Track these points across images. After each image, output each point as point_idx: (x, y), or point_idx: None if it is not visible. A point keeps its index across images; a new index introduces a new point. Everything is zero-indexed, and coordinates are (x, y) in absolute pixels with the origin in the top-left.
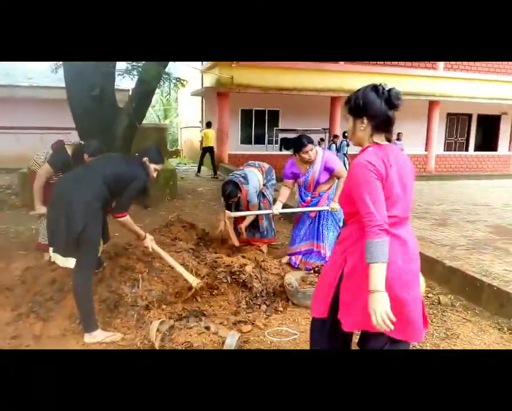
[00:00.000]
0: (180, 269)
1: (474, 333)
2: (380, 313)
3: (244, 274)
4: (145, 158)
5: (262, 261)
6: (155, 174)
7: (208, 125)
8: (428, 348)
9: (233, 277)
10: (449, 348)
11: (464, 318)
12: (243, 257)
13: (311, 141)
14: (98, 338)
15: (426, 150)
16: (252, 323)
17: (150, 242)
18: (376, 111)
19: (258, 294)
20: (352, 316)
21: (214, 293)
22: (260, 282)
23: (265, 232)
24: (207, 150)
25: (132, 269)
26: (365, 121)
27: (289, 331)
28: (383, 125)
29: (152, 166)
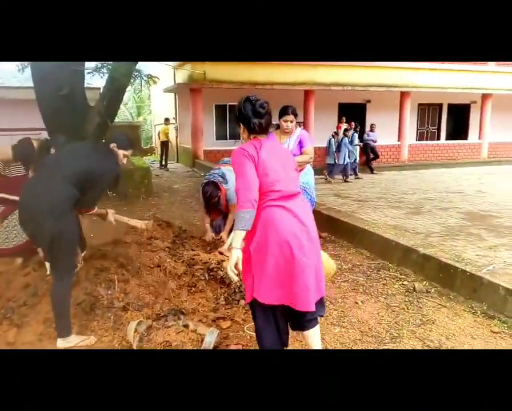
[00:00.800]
0: (127, 220)
1: (449, 318)
2: (230, 265)
3: (222, 270)
4: (112, 145)
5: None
6: (124, 161)
7: (167, 120)
8: (404, 335)
9: (211, 273)
10: (425, 335)
11: (439, 304)
12: (221, 253)
13: (294, 113)
14: (72, 343)
15: (398, 141)
16: (232, 319)
17: (112, 217)
18: (246, 119)
19: (237, 290)
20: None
21: (191, 290)
22: (238, 278)
23: None
24: (164, 144)
25: (107, 270)
26: (241, 126)
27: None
28: (255, 129)
29: (121, 152)
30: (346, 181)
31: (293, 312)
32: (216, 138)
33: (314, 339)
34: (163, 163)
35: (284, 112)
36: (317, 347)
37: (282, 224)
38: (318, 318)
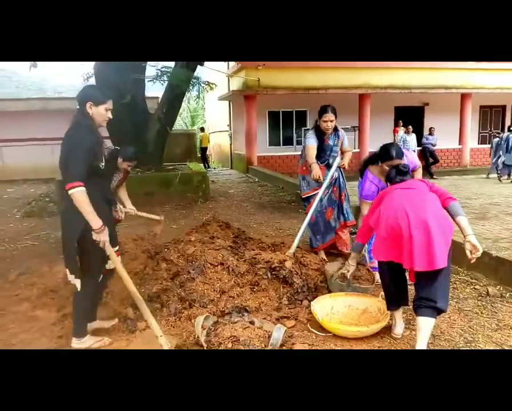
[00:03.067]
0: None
1: None
2: None
3: (284, 270)
4: (89, 104)
5: (301, 256)
6: (109, 115)
7: (202, 129)
8: (480, 339)
9: (273, 273)
10: (502, 340)
11: None
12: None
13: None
14: (86, 344)
15: (459, 144)
16: (296, 319)
17: (103, 237)
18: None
19: (299, 290)
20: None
21: (254, 289)
22: (300, 278)
23: (347, 215)
24: (204, 150)
25: (175, 266)
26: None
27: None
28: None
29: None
30: None
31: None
32: (269, 145)
33: (419, 331)
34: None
35: (324, 111)
36: (418, 343)
37: None
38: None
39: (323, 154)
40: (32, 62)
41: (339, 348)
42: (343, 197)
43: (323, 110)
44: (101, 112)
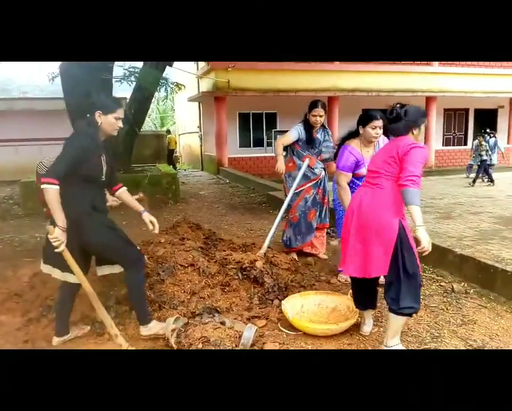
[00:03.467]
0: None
1: (490, 318)
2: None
3: (255, 269)
4: (97, 113)
5: (272, 256)
6: (119, 124)
7: (169, 132)
8: (445, 335)
9: (244, 273)
10: (467, 335)
11: (480, 305)
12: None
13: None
14: (153, 330)
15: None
16: (266, 318)
17: (62, 237)
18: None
19: (270, 289)
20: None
21: (225, 289)
22: (271, 278)
23: (324, 217)
24: (171, 152)
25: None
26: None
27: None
28: None
29: (110, 116)
30: None
31: None
32: (240, 146)
33: (387, 328)
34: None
35: (314, 105)
36: (385, 339)
37: None
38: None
39: (313, 146)
40: None
41: (310, 346)
42: (325, 200)
43: (313, 104)
44: (111, 121)
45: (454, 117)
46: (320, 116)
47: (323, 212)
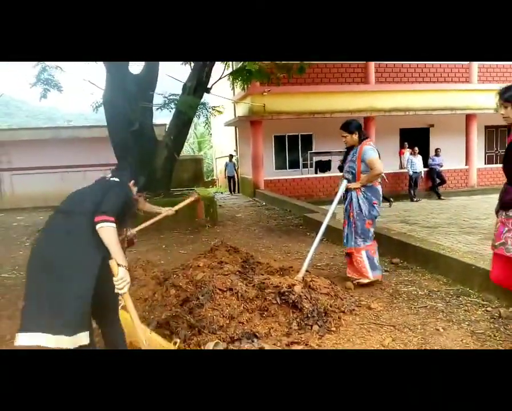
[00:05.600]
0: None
1: None
2: None
3: (293, 294)
4: (132, 182)
5: (310, 280)
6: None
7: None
8: None
9: (282, 298)
10: None
11: None
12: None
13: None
14: None
15: (466, 165)
16: (306, 344)
17: (124, 273)
18: None
19: (309, 315)
20: None
21: (263, 314)
22: (310, 302)
23: (345, 240)
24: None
25: (184, 292)
26: None
27: None
28: None
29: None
30: None
31: None
32: (276, 168)
33: None
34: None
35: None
36: None
37: None
38: None
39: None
40: (42, 92)
41: None
42: (351, 218)
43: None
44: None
45: (496, 134)
46: (344, 137)
47: (351, 235)
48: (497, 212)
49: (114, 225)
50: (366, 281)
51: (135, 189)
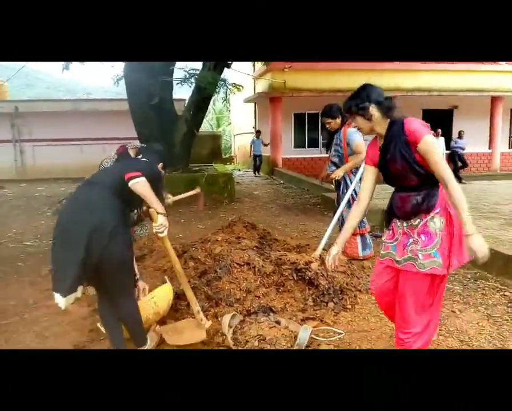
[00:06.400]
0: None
1: None
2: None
3: (310, 271)
4: (160, 164)
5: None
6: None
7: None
8: (510, 346)
9: (299, 274)
10: None
11: None
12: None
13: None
14: (152, 345)
15: (489, 148)
16: (321, 320)
17: (163, 220)
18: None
19: (325, 292)
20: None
21: (280, 290)
22: (326, 280)
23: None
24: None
25: (203, 264)
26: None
27: (335, 331)
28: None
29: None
30: None
31: None
32: (294, 147)
33: None
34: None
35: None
36: None
37: None
38: None
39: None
40: (65, 64)
41: (365, 347)
42: (352, 202)
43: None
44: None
45: None
46: (328, 123)
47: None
48: (388, 223)
49: (144, 179)
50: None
51: (162, 172)
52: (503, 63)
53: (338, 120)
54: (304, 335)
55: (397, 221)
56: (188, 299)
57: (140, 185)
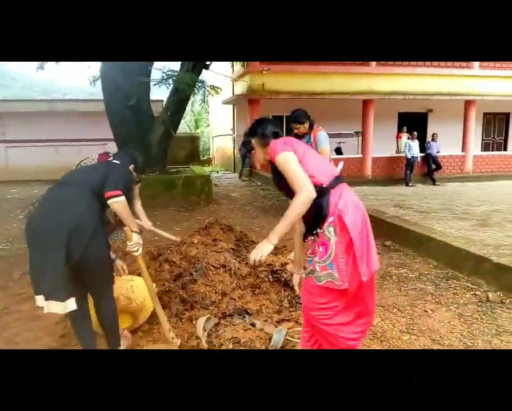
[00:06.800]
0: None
1: None
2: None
3: (286, 273)
4: (132, 166)
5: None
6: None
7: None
8: (479, 345)
9: (275, 276)
10: (502, 345)
11: None
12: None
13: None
14: (122, 348)
15: (462, 151)
16: (296, 322)
17: (138, 238)
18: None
19: (301, 293)
20: None
21: (255, 291)
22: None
23: None
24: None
25: (177, 267)
26: None
27: None
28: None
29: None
30: None
31: None
32: None
33: None
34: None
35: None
36: None
37: None
38: None
39: None
40: (39, 64)
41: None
42: None
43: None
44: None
45: (494, 121)
46: (297, 128)
47: None
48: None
49: (123, 198)
50: None
51: (135, 174)
52: (476, 68)
53: (306, 125)
54: (278, 337)
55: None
56: (159, 317)
57: (119, 205)
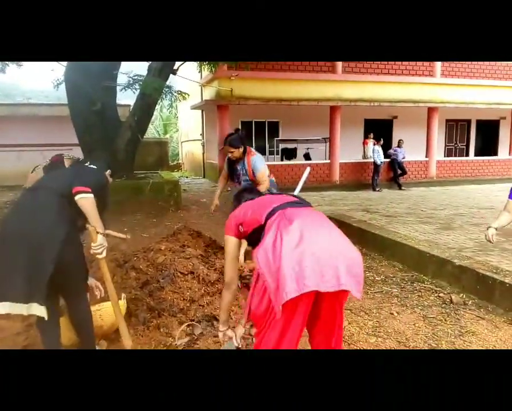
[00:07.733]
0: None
1: (488, 330)
2: None
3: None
4: (108, 172)
5: None
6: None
7: None
8: (443, 346)
9: (243, 281)
10: (464, 346)
11: (478, 316)
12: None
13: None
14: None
15: (426, 157)
16: None
17: (103, 240)
18: None
19: None
20: None
21: None
22: None
23: None
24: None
25: (144, 275)
26: None
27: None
28: None
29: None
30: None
31: None
32: None
33: None
34: None
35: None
36: None
37: None
38: None
39: (236, 179)
40: (0, 66)
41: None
42: None
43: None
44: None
45: (456, 128)
46: (231, 152)
47: None
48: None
49: (92, 195)
50: None
51: (110, 180)
52: (438, 76)
53: (241, 149)
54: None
55: None
56: (121, 333)
57: (86, 201)
